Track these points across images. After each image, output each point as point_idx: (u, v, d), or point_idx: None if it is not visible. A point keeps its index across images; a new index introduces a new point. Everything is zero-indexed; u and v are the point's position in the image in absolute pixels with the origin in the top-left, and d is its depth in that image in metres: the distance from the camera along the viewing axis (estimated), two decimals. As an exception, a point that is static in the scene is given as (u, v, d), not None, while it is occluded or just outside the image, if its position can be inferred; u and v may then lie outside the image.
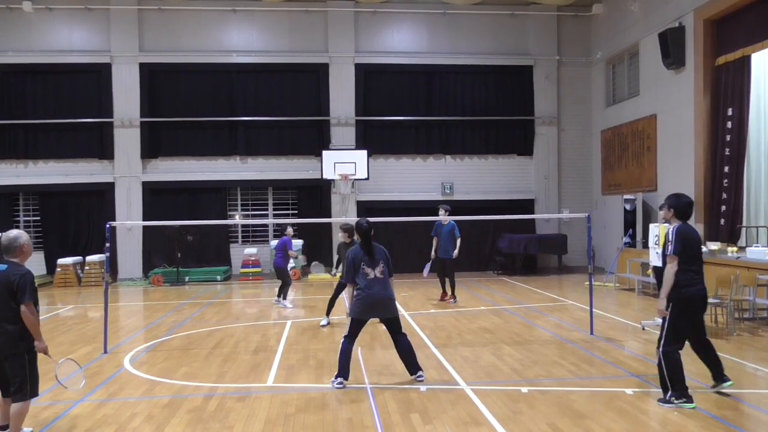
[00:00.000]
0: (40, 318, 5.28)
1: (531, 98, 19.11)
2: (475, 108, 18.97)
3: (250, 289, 15.82)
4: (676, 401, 5.86)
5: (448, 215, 11.91)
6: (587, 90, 19.44)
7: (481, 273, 18.23)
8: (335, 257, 12.41)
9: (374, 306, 6.79)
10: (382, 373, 7.32)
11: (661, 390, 6.05)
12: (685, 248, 5.89)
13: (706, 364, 6.32)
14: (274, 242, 15.58)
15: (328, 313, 10.43)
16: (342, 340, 6.83)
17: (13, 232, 5.20)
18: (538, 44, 19.09)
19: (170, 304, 13.48)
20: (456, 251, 12.25)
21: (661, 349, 5.93)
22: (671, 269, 5.86)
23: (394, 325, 6.91)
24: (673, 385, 5.89)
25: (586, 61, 19.33)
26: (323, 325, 10.33)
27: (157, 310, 12.62)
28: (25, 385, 5.02)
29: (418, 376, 6.89)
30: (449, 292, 12.72)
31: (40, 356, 5.19)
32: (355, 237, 7.41)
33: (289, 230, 12.58)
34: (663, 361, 5.89)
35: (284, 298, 12.58)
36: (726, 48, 13.29)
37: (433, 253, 12.55)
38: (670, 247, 5.90)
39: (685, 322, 5.97)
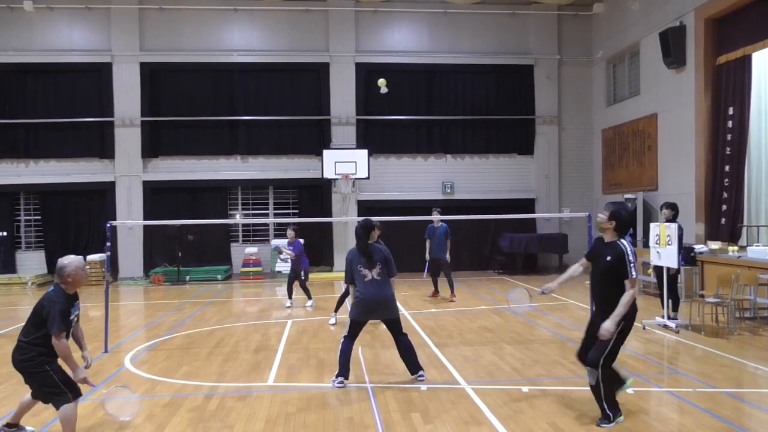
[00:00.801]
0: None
1: (532, 97, 19.11)
2: (475, 107, 18.97)
3: (251, 289, 15.82)
4: (613, 420, 5.41)
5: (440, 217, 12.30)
6: (588, 89, 19.44)
7: (482, 272, 18.24)
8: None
9: (372, 308, 6.78)
10: (382, 372, 7.32)
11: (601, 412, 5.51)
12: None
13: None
14: (275, 241, 15.56)
15: (336, 310, 10.52)
16: (342, 340, 6.84)
17: (66, 260, 5.15)
18: (539, 43, 19.09)
19: (171, 303, 13.49)
20: (448, 254, 12.71)
21: (601, 370, 5.32)
22: (634, 294, 5.29)
23: (394, 326, 6.90)
24: (611, 405, 5.42)
25: (587, 60, 19.32)
26: (332, 324, 10.38)
27: (158, 310, 12.63)
28: (60, 389, 5.00)
29: (419, 376, 6.89)
30: (440, 291, 13.26)
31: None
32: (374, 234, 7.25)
33: (289, 232, 12.28)
34: (603, 383, 5.35)
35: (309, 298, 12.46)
36: (727, 47, 13.28)
37: (427, 255, 12.91)
38: (632, 271, 5.27)
39: (623, 341, 5.48)
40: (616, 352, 5.39)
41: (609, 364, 5.40)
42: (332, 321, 10.50)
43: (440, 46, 18.88)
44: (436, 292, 13.27)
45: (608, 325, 5.24)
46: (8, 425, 5.32)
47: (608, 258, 5.36)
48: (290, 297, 12.47)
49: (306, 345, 8.93)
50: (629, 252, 5.31)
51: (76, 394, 5.08)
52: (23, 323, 5.16)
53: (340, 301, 10.54)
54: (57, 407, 5.03)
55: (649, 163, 15.95)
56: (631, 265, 5.26)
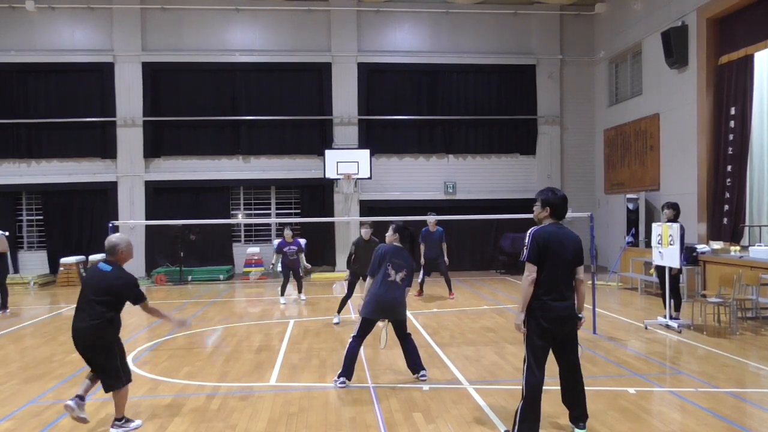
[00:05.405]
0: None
1: (534, 97, 19.10)
2: (477, 107, 18.97)
3: (253, 288, 15.82)
4: None
5: (436, 222, 12.80)
6: (590, 89, 19.43)
7: (484, 272, 18.23)
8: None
9: (386, 309, 6.80)
10: (385, 372, 7.33)
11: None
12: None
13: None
14: (276, 241, 15.55)
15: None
16: (350, 340, 6.83)
17: (115, 237, 5.57)
18: (541, 43, 19.08)
19: (173, 303, 13.50)
20: (446, 257, 13.05)
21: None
22: (528, 279, 5.27)
23: (400, 328, 6.93)
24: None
25: (589, 60, 19.31)
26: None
27: (160, 309, 12.60)
28: (119, 374, 5.38)
29: (421, 375, 6.90)
30: (423, 290, 13.61)
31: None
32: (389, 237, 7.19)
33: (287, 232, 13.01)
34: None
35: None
36: (729, 47, 13.26)
37: (422, 259, 13.05)
38: (523, 253, 5.28)
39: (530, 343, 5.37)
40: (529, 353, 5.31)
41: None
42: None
43: (442, 46, 18.88)
44: (420, 291, 13.51)
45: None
46: (79, 396, 5.51)
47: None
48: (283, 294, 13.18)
49: (308, 345, 8.93)
50: (528, 234, 5.18)
51: (128, 380, 5.48)
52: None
53: (343, 302, 10.54)
54: (109, 389, 5.36)
55: (651, 163, 15.94)
56: (524, 248, 5.21)
